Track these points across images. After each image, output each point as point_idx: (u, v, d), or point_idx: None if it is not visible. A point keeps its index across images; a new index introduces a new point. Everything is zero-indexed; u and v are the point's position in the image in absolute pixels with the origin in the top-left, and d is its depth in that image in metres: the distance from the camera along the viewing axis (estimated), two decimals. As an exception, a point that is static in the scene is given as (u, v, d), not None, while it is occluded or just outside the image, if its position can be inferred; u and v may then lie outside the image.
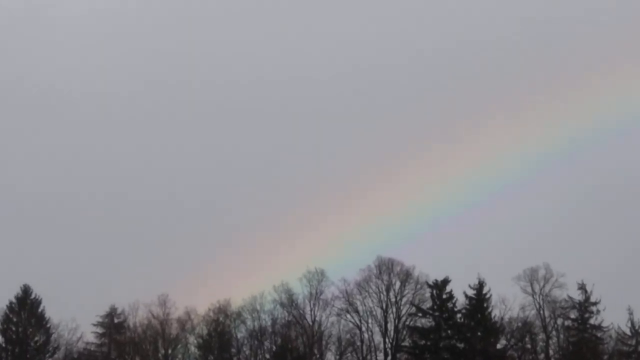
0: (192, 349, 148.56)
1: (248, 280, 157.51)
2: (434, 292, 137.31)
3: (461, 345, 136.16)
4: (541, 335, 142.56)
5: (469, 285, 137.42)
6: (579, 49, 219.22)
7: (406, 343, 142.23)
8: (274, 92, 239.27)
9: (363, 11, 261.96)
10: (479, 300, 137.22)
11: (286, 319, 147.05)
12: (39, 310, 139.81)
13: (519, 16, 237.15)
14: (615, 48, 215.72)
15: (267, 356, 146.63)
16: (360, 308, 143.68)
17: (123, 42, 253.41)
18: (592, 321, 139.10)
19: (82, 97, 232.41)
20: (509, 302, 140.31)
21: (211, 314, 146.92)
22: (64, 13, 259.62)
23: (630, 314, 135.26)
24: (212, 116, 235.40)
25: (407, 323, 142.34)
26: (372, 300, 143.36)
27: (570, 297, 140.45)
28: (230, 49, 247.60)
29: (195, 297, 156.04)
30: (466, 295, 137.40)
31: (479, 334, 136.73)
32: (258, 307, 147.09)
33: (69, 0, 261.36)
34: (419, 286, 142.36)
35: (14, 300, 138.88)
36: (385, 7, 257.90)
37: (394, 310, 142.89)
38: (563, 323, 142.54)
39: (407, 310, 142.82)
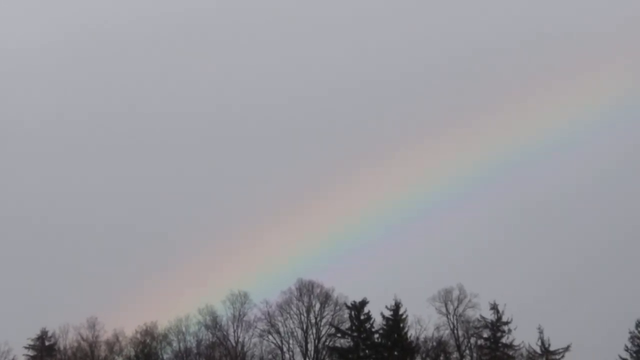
0: None
1: (174, 303, 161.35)
2: (353, 313, 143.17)
3: None
4: (455, 354, 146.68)
5: (386, 307, 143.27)
6: (503, 78, 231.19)
7: None
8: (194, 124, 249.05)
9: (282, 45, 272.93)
10: (396, 320, 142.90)
11: (210, 340, 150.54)
12: None
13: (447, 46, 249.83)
14: (536, 78, 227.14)
15: None
16: (281, 329, 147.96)
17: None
18: (503, 340, 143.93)
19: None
20: (425, 322, 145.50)
21: (138, 336, 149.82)
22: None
23: (540, 332, 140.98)
24: (133, 143, 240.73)
25: (326, 343, 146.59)
26: (293, 322, 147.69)
27: (482, 317, 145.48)
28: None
29: (123, 320, 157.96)
30: (383, 316, 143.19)
31: (395, 353, 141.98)
32: (183, 329, 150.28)
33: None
34: (338, 307, 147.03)
35: None
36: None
37: (314, 331, 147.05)
38: (476, 342, 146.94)
39: (326, 331, 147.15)
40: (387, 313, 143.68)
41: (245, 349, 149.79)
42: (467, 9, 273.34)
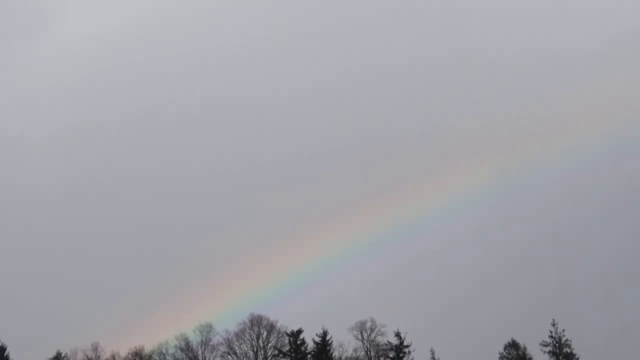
0: None
1: (157, 330, 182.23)
2: (291, 339, 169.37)
3: None
4: None
5: (317, 334, 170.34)
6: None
7: None
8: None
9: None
10: (324, 345, 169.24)
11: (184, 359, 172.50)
12: (5, 354, 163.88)
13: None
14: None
15: None
16: (238, 351, 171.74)
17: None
18: (405, 359, 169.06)
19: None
20: (345, 345, 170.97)
21: (130, 356, 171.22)
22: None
23: (432, 353, 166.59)
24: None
25: None
26: (246, 346, 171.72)
27: (389, 342, 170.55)
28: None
29: (118, 343, 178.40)
30: (314, 341, 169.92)
31: None
32: (164, 351, 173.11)
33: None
34: (280, 335, 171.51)
35: None
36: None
37: (262, 352, 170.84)
38: None
39: (271, 353, 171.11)
40: (317, 339, 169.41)
41: None
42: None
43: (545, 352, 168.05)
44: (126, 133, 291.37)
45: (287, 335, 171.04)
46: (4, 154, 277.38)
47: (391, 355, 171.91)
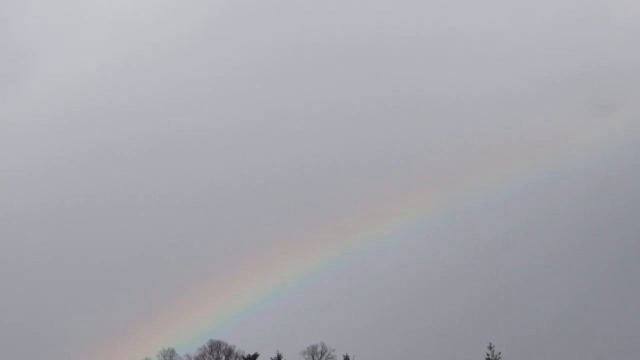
0: None
1: (121, 354, 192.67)
2: None
3: None
4: None
5: (271, 358, 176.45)
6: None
7: None
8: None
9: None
10: None
11: None
12: None
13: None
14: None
15: None
16: None
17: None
18: None
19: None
20: None
21: None
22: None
23: None
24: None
25: None
26: None
27: None
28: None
29: None
30: None
31: None
32: None
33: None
34: (238, 358, 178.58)
35: None
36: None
37: None
38: None
39: None
40: None
41: None
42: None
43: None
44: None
45: (244, 359, 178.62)
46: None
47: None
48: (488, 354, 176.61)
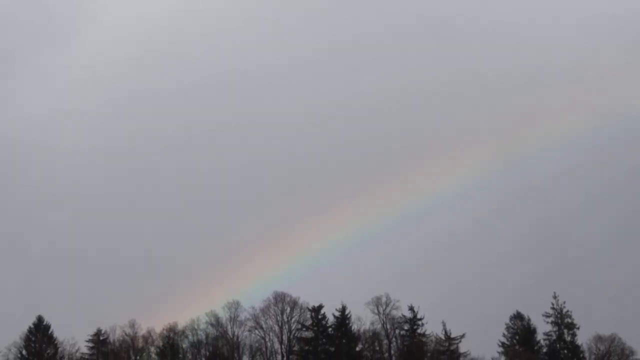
0: (153, 356, 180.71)
1: (189, 308, 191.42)
2: (313, 314, 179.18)
3: (332, 349, 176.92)
4: (385, 341, 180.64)
5: (336, 309, 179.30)
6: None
7: (296, 348, 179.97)
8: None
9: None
10: (343, 319, 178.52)
11: (214, 334, 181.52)
12: (49, 332, 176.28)
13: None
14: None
15: (204, 359, 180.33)
16: (264, 326, 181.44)
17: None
18: (419, 331, 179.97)
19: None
20: (363, 319, 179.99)
21: (164, 331, 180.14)
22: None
23: (444, 325, 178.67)
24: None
25: (295, 335, 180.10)
26: (271, 321, 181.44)
27: (404, 315, 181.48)
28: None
29: (154, 320, 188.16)
30: (334, 316, 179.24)
31: (343, 341, 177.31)
32: (196, 327, 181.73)
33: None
34: (303, 310, 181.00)
35: (32, 326, 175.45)
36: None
37: (287, 326, 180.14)
38: (399, 333, 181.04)
39: (295, 326, 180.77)
40: (337, 314, 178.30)
41: (239, 340, 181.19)
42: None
43: (548, 322, 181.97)
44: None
45: (309, 310, 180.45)
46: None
47: (405, 328, 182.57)
48: (553, 304, 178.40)
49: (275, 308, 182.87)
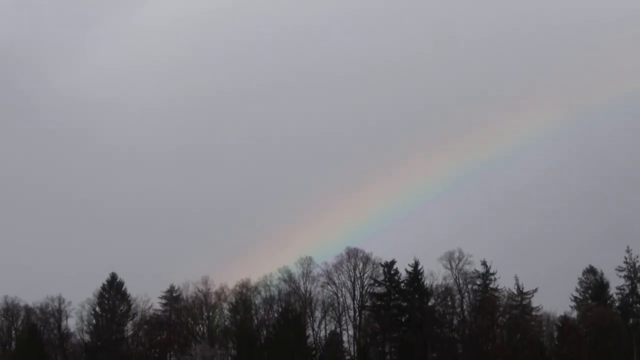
0: (225, 312, 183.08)
1: (262, 264, 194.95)
2: (385, 269, 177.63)
3: (404, 304, 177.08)
4: (457, 296, 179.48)
5: (409, 264, 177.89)
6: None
7: (368, 304, 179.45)
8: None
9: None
10: (415, 274, 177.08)
11: (287, 290, 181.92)
12: (123, 289, 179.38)
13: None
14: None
15: (276, 315, 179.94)
16: (336, 281, 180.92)
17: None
18: (491, 285, 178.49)
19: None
20: (436, 274, 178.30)
21: (237, 288, 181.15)
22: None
23: (516, 280, 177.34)
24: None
25: (368, 290, 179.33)
26: (344, 276, 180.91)
27: (476, 270, 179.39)
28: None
29: (226, 277, 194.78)
30: (407, 271, 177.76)
31: (416, 296, 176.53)
32: (268, 283, 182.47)
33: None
34: (375, 266, 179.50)
35: (105, 282, 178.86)
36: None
37: (359, 282, 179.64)
38: (472, 287, 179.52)
39: (367, 282, 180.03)
40: (409, 269, 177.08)
41: (311, 296, 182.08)
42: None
43: (621, 276, 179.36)
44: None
45: (382, 266, 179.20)
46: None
47: (478, 283, 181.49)
48: (626, 257, 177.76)
49: (348, 264, 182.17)
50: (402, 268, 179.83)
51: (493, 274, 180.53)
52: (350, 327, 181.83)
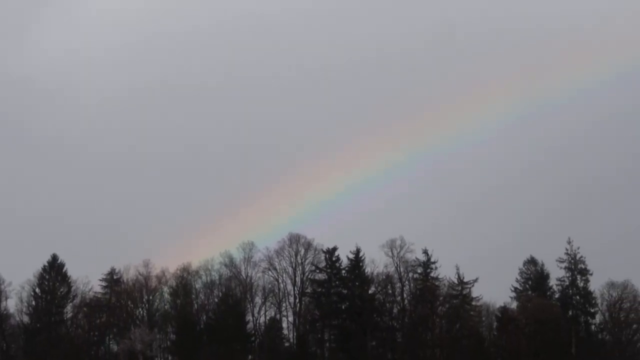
0: (166, 295, 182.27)
1: (203, 248, 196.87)
2: (327, 256, 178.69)
3: (345, 291, 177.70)
4: (398, 284, 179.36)
5: (350, 251, 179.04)
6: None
7: (308, 290, 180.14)
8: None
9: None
10: (357, 261, 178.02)
11: (228, 275, 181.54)
12: (63, 270, 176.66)
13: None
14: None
15: (216, 300, 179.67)
16: (277, 267, 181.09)
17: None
18: (432, 274, 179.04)
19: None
20: (377, 262, 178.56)
21: (178, 272, 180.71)
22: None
23: (457, 269, 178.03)
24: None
25: (309, 277, 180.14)
26: (285, 262, 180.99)
27: (417, 259, 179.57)
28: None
29: (167, 260, 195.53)
30: (348, 258, 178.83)
31: (357, 283, 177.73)
32: (209, 267, 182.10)
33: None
34: (317, 252, 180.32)
35: (46, 264, 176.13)
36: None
37: (300, 268, 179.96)
38: (412, 276, 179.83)
39: (309, 268, 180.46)
40: (351, 256, 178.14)
41: (252, 281, 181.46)
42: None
43: (561, 267, 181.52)
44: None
45: (323, 252, 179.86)
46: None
47: (419, 271, 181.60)
48: (567, 249, 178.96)
49: (290, 249, 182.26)
50: (344, 255, 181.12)
51: (434, 262, 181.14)
52: (290, 313, 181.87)
